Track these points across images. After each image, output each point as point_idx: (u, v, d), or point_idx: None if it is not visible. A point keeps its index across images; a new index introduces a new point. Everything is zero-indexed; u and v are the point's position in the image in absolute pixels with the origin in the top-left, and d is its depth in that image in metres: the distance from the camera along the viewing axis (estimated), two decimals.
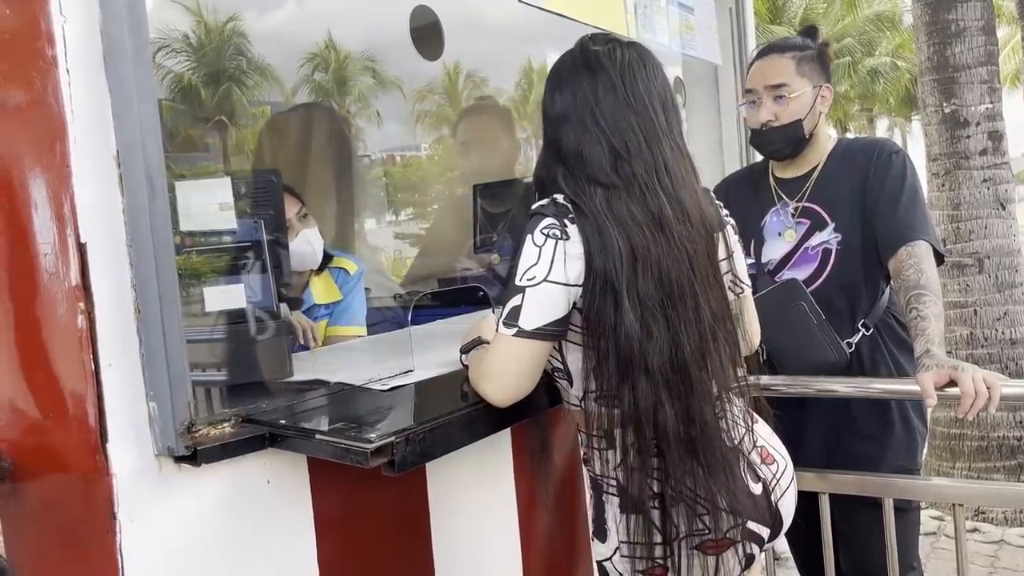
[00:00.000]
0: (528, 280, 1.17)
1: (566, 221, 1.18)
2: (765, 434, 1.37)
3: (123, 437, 1.07)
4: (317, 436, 1.12)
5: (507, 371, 1.20)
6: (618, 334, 1.16)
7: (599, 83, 1.22)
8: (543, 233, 1.18)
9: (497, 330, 1.20)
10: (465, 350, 1.41)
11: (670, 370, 1.17)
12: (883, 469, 1.80)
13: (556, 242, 1.17)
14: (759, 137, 1.89)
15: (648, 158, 1.21)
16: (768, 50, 1.91)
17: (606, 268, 1.16)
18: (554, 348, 1.25)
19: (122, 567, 1.05)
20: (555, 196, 1.21)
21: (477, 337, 1.42)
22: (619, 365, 1.17)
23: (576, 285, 1.18)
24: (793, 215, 1.89)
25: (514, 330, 1.17)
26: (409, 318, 1.64)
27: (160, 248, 1.08)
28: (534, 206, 1.22)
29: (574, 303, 1.19)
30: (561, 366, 1.27)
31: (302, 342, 1.90)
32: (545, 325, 1.17)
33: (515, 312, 1.17)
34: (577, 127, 1.22)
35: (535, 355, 1.19)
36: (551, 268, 1.16)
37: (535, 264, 1.17)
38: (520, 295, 1.17)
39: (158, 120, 1.08)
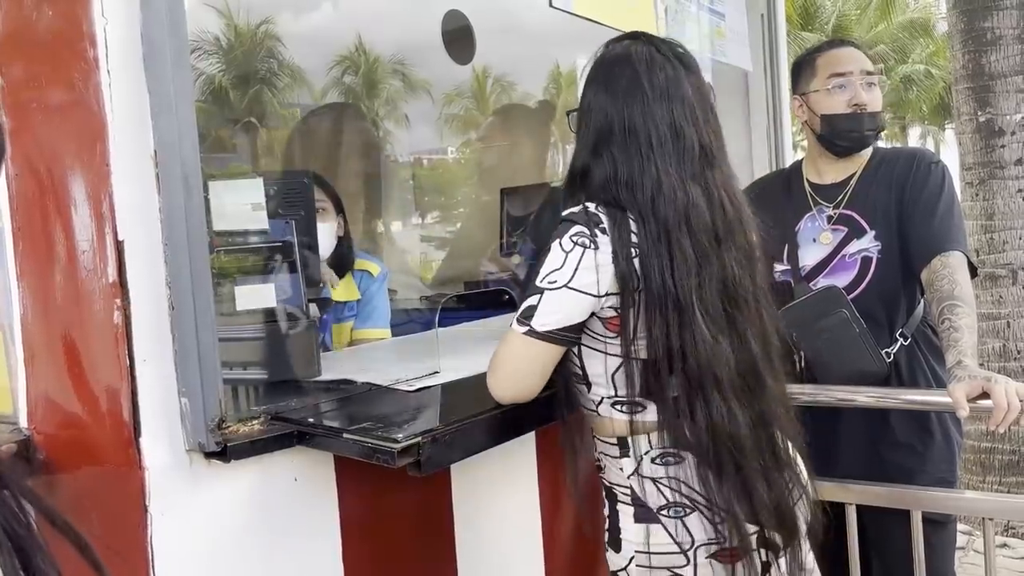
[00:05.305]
0: (549, 283, 1.17)
1: (596, 231, 1.17)
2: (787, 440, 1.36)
3: (155, 432, 1.09)
4: (345, 435, 1.13)
5: (512, 368, 1.20)
6: (685, 348, 1.15)
7: (692, 78, 1.23)
8: (572, 240, 1.17)
9: (511, 326, 1.20)
10: None
11: (739, 378, 1.18)
12: (923, 480, 1.78)
13: (584, 250, 1.16)
14: (849, 121, 1.84)
15: (724, 163, 1.24)
16: (844, 43, 1.95)
17: (668, 281, 1.15)
18: (572, 353, 1.25)
19: (152, 559, 1.07)
20: (586, 204, 1.20)
21: None
22: (686, 378, 1.16)
23: (600, 295, 1.17)
24: (829, 221, 1.88)
25: (525, 328, 1.17)
26: (436, 320, 1.65)
27: (195, 247, 1.10)
28: (564, 212, 1.22)
29: (593, 312, 1.19)
30: (579, 371, 1.27)
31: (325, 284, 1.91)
32: (557, 329, 1.17)
33: (529, 311, 1.17)
34: (677, 114, 1.20)
35: (542, 357, 1.19)
36: (574, 275, 1.16)
37: (559, 269, 1.17)
38: (538, 296, 1.17)
39: (195, 121, 1.10)
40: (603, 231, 1.17)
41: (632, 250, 1.16)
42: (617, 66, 1.24)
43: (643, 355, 1.19)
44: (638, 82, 1.21)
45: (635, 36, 1.29)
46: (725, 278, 1.18)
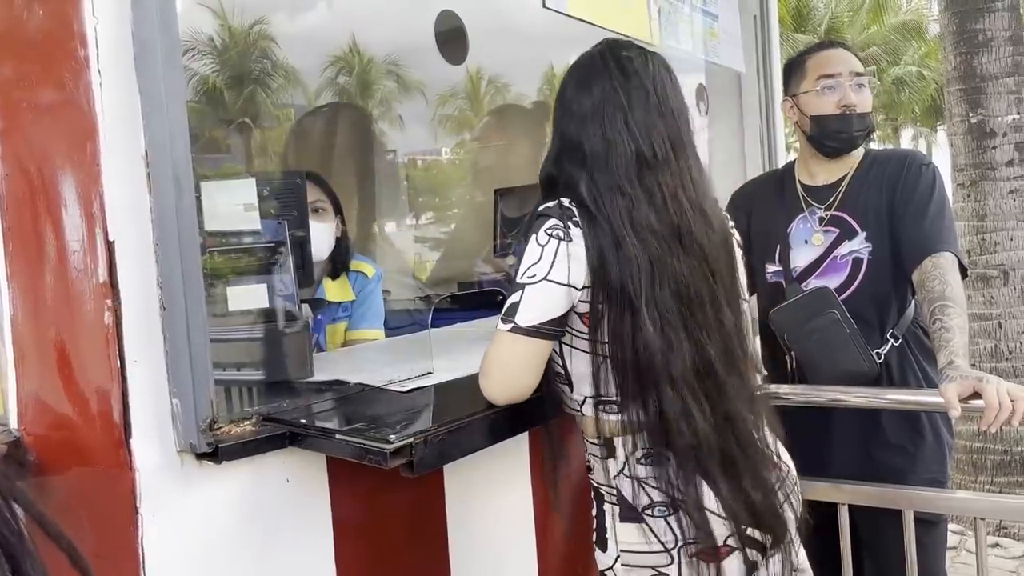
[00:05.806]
0: (529, 278, 1.18)
1: (570, 224, 1.19)
2: (768, 439, 1.35)
3: (146, 433, 1.09)
4: (337, 436, 1.13)
5: (502, 367, 1.21)
6: (637, 345, 1.16)
7: (632, 87, 1.23)
8: (547, 233, 1.19)
9: (497, 326, 1.21)
10: None
11: (694, 377, 1.18)
12: (913, 480, 1.79)
13: (559, 243, 1.18)
14: (838, 122, 1.85)
15: (675, 167, 1.23)
16: (834, 44, 1.95)
17: (622, 280, 1.16)
18: (555, 352, 1.25)
19: (143, 560, 1.06)
20: (561, 199, 1.22)
21: None
22: (639, 376, 1.18)
23: (576, 287, 1.18)
24: (821, 222, 1.88)
25: (510, 326, 1.18)
26: (429, 320, 1.65)
27: (186, 247, 1.09)
28: (540, 207, 1.24)
29: (572, 306, 1.20)
30: (562, 371, 1.27)
31: None
32: (541, 323, 1.18)
33: (513, 308, 1.19)
34: (608, 129, 1.22)
35: (531, 353, 1.20)
36: (552, 268, 1.18)
37: (536, 263, 1.18)
38: (520, 292, 1.19)
39: (186, 121, 1.10)
40: (576, 224, 1.19)
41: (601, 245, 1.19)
42: (564, 81, 1.30)
43: (609, 352, 1.20)
44: (574, 99, 1.27)
45: (601, 43, 1.32)
46: (679, 279, 1.19)
